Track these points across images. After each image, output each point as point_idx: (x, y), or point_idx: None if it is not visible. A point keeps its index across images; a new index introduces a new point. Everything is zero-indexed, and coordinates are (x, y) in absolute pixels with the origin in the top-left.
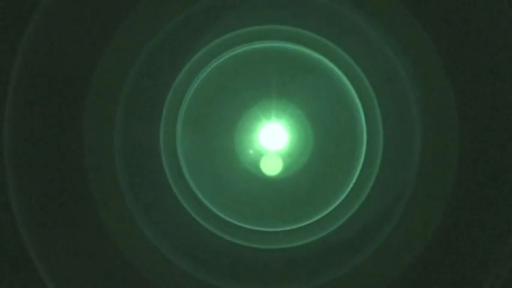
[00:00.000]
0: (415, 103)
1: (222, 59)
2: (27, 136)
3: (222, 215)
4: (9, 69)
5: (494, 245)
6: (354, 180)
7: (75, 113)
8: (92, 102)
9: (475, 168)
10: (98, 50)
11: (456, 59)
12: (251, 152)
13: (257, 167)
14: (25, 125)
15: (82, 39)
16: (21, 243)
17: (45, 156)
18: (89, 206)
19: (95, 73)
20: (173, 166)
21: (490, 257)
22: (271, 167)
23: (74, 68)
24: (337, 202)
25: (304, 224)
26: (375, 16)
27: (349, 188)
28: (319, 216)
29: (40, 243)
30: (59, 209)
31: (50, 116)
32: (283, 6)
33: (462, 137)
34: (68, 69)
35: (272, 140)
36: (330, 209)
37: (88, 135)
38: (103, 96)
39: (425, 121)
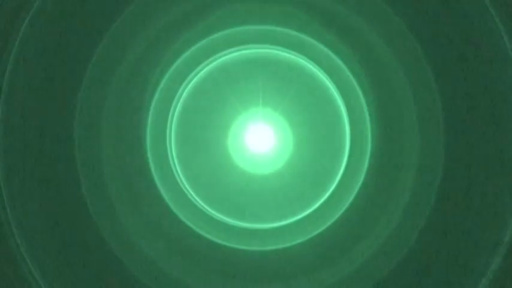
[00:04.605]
0: (406, 109)
1: (208, 66)
2: (17, 139)
3: (215, 217)
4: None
5: (483, 250)
6: (338, 179)
7: (65, 117)
8: (82, 105)
9: (460, 176)
10: (87, 53)
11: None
12: (241, 153)
13: (248, 168)
14: (15, 127)
15: (71, 42)
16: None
17: (36, 158)
18: (79, 206)
19: (86, 75)
20: (162, 170)
21: (479, 263)
22: (261, 165)
23: (63, 71)
24: (322, 201)
25: (296, 220)
26: (372, 21)
27: (333, 187)
28: (307, 213)
29: (30, 242)
30: (50, 211)
31: (39, 119)
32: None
33: (448, 145)
34: (58, 71)
35: (261, 141)
36: (316, 207)
37: (78, 138)
38: (92, 100)
39: (415, 125)
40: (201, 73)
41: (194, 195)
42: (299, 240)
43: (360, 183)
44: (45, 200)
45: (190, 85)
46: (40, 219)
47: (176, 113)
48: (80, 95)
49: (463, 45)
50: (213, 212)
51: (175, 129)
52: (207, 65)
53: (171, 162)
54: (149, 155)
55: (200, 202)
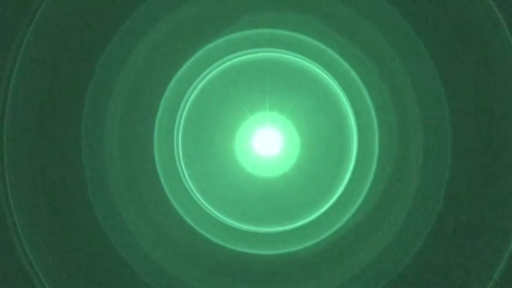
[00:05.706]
0: (413, 113)
1: (214, 70)
2: (24, 137)
3: (221, 220)
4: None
5: (490, 251)
6: (346, 182)
7: (72, 119)
8: (88, 107)
9: (467, 180)
10: (95, 55)
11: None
12: (248, 156)
13: (254, 172)
14: (20, 130)
15: (78, 43)
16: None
17: (40, 155)
18: (85, 209)
19: (93, 76)
20: (169, 173)
21: (485, 266)
22: (267, 169)
23: (70, 73)
24: (329, 205)
25: (303, 224)
26: (380, 25)
27: (340, 191)
28: (314, 217)
29: (36, 245)
30: (56, 215)
31: (45, 121)
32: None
33: (456, 147)
34: (65, 73)
35: (267, 145)
36: (323, 211)
37: (84, 140)
38: (99, 100)
39: (422, 130)
40: (208, 76)
41: (201, 198)
42: (305, 244)
43: (367, 187)
44: (51, 204)
45: (197, 88)
46: (46, 222)
47: (183, 116)
48: (87, 96)
49: (470, 49)
50: (219, 215)
51: (182, 132)
52: (214, 68)
53: (178, 165)
54: (156, 157)
55: (206, 205)
